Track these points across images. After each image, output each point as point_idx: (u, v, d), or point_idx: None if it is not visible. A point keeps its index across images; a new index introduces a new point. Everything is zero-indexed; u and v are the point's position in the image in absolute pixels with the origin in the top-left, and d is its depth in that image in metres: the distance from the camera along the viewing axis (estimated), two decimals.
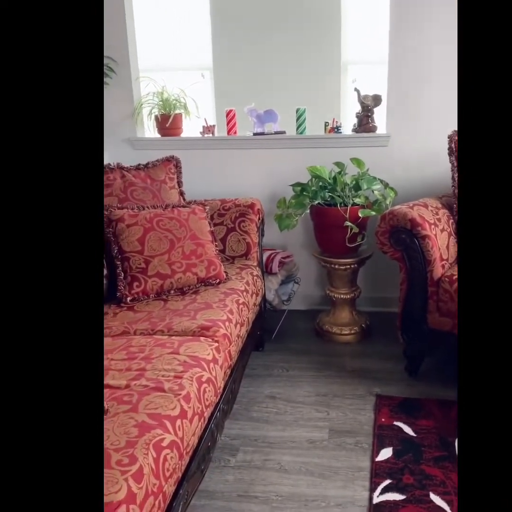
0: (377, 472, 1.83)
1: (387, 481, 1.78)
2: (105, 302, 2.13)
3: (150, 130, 3.12)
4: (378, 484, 1.77)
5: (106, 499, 1.09)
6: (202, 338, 1.79)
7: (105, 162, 2.68)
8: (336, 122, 3.00)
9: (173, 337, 1.79)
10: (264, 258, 2.79)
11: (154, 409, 1.38)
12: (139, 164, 2.51)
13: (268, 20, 3.93)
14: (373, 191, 2.65)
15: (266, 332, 2.78)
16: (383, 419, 2.12)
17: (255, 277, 2.46)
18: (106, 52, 2.86)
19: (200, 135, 3.07)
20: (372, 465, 1.87)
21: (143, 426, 1.31)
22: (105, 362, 1.62)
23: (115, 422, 1.32)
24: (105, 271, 2.16)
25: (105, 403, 1.38)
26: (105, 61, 2.86)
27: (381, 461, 1.88)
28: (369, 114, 2.91)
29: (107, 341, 1.78)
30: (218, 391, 1.71)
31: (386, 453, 1.92)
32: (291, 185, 2.77)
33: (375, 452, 1.93)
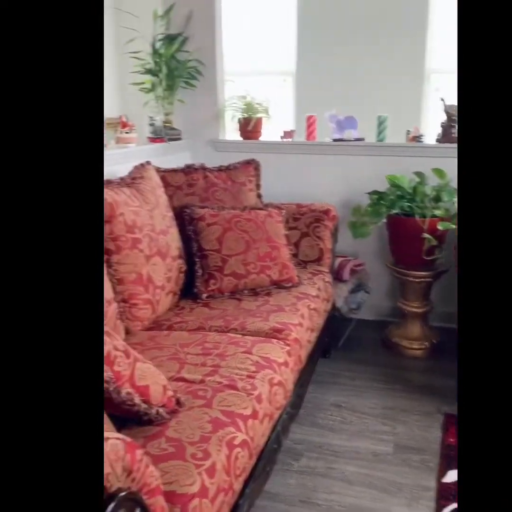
0: (443, 494, 1.78)
1: (454, 505, 1.73)
2: (182, 297, 2.20)
3: (232, 133, 3.19)
4: (444, 507, 1.72)
5: (180, 490, 1.13)
6: (274, 340, 1.81)
7: (189, 162, 2.77)
8: (418, 130, 2.94)
9: (246, 337, 1.82)
10: (336, 265, 2.78)
11: (227, 407, 1.41)
12: (221, 166, 2.56)
13: (353, 27, 3.90)
14: (454, 204, 2.57)
15: (333, 339, 2.76)
16: (451, 439, 2.05)
17: (326, 284, 2.45)
18: (195, 55, 2.94)
19: (279, 139, 3.10)
20: (438, 485, 1.82)
21: (216, 422, 1.35)
22: (181, 356, 1.68)
23: (190, 416, 1.37)
24: (184, 267, 2.22)
25: (180, 395, 1.42)
26: (194, 63, 2.95)
27: (448, 483, 1.83)
28: (454, 124, 2.83)
29: (183, 335, 1.84)
30: (288, 394, 1.73)
31: (453, 475, 1.86)
32: (368, 193, 2.74)
33: (442, 472, 1.88)
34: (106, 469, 0.84)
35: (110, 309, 1.76)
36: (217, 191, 2.46)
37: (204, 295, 2.17)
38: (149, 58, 2.91)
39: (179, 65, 2.93)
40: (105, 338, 1.22)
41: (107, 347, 1.20)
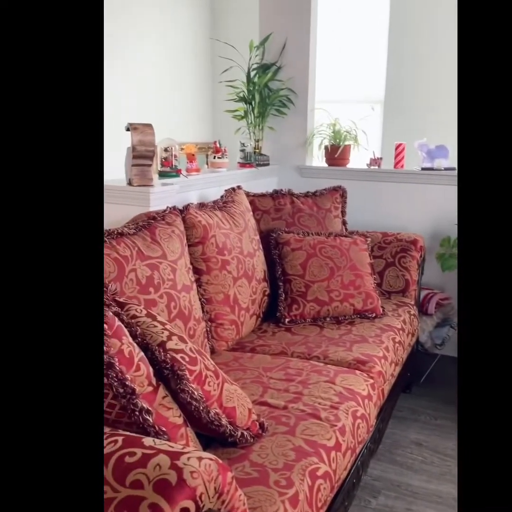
0: None
1: None
2: (265, 320, 2.22)
3: (318, 159, 3.21)
4: None
5: None
6: (357, 372, 1.78)
7: (276, 187, 2.82)
8: None
9: (329, 366, 1.80)
10: (421, 297, 2.70)
11: (310, 436, 1.40)
12: (308, 192, 2.59)
13: (442, 56, 3.84)
14: None
15: (416, 374, 2.66)
16: None
17: (411, 316, 2.38)
18: (287, 84, 3.01)
19: (366, 167, 3.08)
20: None
21: (300, 451, 1.34)
22: (264, 379, 1.69)
23: (273, 442, 1.37)
24: (268, 290, 2.25)
25: (264, 420, 1.43)
26: (286, 92, 3.02)
27: None
28: None
29: (266, 358, 1.85)
30: (370, 428, 1.68)
31: None
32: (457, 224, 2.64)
33: None
34: (200, 489, 0.86)
35: (199, 328, 1.81)
36: (303, 216, 2.48)
37: (287, 320, 2.17)
38: (243, 87, 3.01)
39: (271, 93, 3.00)
40: (198, 356, 1.25)
41: (199, 366, 1.23)
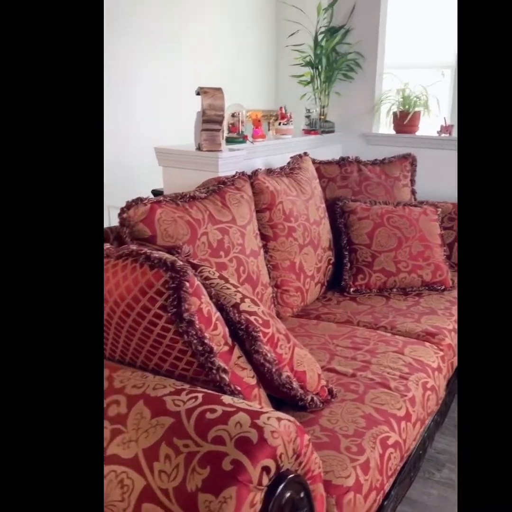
0: None
1: None
2: (329, 289, 2.19)
3: (385, 126, 3.10)
4: None
5: (335, 481, 1.12)
6: (427, 344, 1.73)
7: (340, 154, 2.74)
8: None
9: (397, 336, 1.76)
10: None
11: (381, 405, 1.38)
12: (375, 159, 2.51)
13: None
14: None
15: None
16: None
17: None
18: (355, 48, 2.90)
19: (436, 134, 2.95)
20: None
21: (370, 419, 1.32)
22: (331, 347, 1.68)
23: (342, 408, 1.36)
24: (333, 259, 2.22)
25: (333, 386, 1.42)
26: (354, 56, 2.91)
27: None
28: None
29: (332, 326, 1.84)
30: (439, 401, 1.65)
31: None
32: None
33: None
34: (280, 449, 0.86)
35: (266, 293, 1.81)
36: (370, 184, 2.41)
37: (352, 289, 2.14)
38: (310, 51, 2.92)
39: (339, 57, 2.90)
40: (270, 319, 1.25)
41: (271, 329, 1.23)
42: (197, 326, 1.01)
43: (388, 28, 3.04)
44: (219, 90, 1.97)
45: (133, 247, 1.04)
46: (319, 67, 2.90)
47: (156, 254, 0.98)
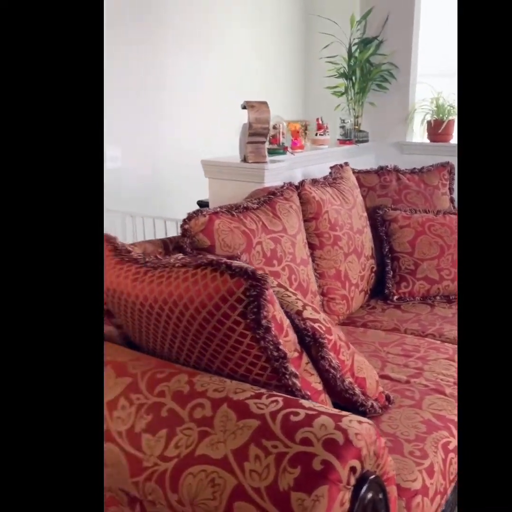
0: None
1: None
2: (372, 297, 2.22)
3: (418, 135, 3.13)
4: None
5: (403, 484, 1.15)
6: None
7: (374, 164, 2.78)
8: None
9: (446, 344, 1.78)
10: None
11: (438, 411, 1.40)
12: (414, 168, 2.53)
13: None
14: None
15: None
16: None
17: None
18: (389, 59, 2.94)
19: None
20: None
21: (429, 424, 1.35)
22: (382, 354, 1.70)
23: (401, 414, 1.38)
24: (375, 267, 2.25)
25: (389, 393, 1.44)
26: (387, 67, 2.95)
27: None
28: None
29: (380, 334, 1.86)
30: None
31: None
32: None
33: None
34: (364, 450, 0.89)
35: (315, 301, 1.85)
36: (410, 193, 2.44)
37: (395, 297, 2.17)
38: (343, 63, 2.97)
39: (373, 68, 2.95)
40: (331, 326, 1.28)
41: (334, 336, 1.26)
42: (273, 333, 1.05)
43: (421, 37, 3.08)
44: (264, 104, 2.03)
45: (212, 257, 1.08)
46: (353, 78, 2.95)
47: (236, 263, 1.03)
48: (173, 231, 2.36)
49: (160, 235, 2.59)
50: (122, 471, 1.00)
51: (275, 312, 1.09)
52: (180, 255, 1.21)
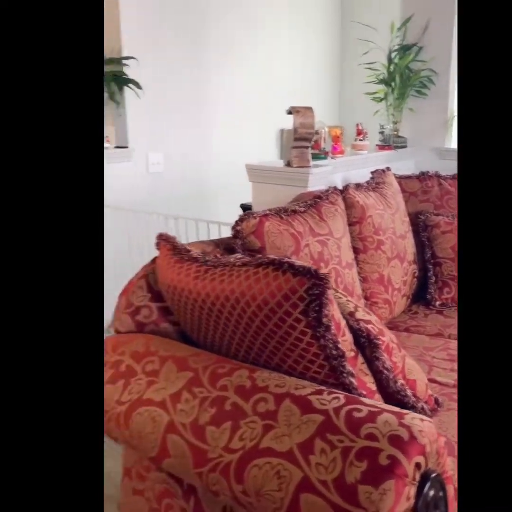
0: None
1: None
2: (413, 302, 2.22)
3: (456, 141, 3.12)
4: None
5: (456, 485, 1.15)
6: None
7: (412, 169, 2.78)
8: None
9: None
10: None
11: None
12: (455, 174, 2.53)
13: None
14: None
15: None
16: None
17: None
18: (428, 65, 2.95)
19: None
20: None
21: None
22: (427, 358, 1.70)
23: (450, 417, 1.39)
24: (417, 272, 2.25)
25: (438, 396, 1.45)
26: (427, 73, 2.95)
27: None
28: None
29: (424, 339, 1.86)
30: None
31: None
32: None
33: None
34: (427, 447, 0.91)
35: (360, 304, 1.86)
36: (452, 199, 2.43)
37: (437, 303, 2.16)
38: (383, 69, 2.99)
39: (412, 74, 2.95)
40: (383, 328, 1.30)
41: (386, 337, 1.27)
42: (333, 331, 1.07)
43: None
44: (309, 109, 2.05)
45: (273, 256, 1.11)
46: (393, 84, 2.96)
47: (299, 262, 1.05)
48: (215, 234, 2.40)
49: (203, 238, 2.64)
50: (186, 462, 1.03)
51: (333, 311, 1.11)
52: (239, 255, 1.25)
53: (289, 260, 1.07)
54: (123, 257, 2.89)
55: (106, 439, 2.12)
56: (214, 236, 2.30)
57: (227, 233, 2.31)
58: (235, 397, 1.03)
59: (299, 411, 0.97)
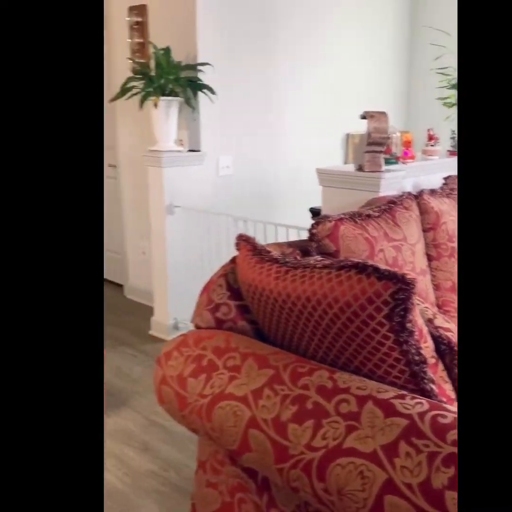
0: None
1: None
2: None
3: None
4: None
5: None
6: None
7: None
8: None
9: None
10: None
11: None
12: None
13: None
14: None
15: None
16: None
17: None
18: None
19: None
20: None
21: None
22: None
23: None
24: None
25: None
26: None
27: None
28: None
29: None
30: None
31: None
32: None
33: None
34: None
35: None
36: None
37: None
38: (455, 74, 2.93)
39: None
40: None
41: None
42: (416, 337, 1.07)
43: None
44: (384, 114, 2.05)
45: (356, 259, 1.12)
46: None
47: (384, 267, 1.06)
48: (283, 237, 2.43)
49: (270, 240, 2.67)
50: (267, 457, 1.06)
51: (416, 317, 1.11)
52: (318, 257, 1.26)
53: (374, 263, 1.08)
54: (192, 255, 2.97)
55: (177, 432, 2.20)
56: (282, 239, 2.33)
57: (295, 236, 2.34)
58: (316, 396, 1.05)
59: (383, 414, 0.97)
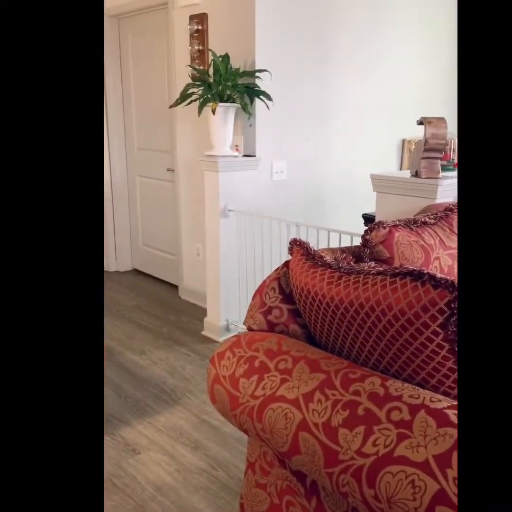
0: None
1: None
2: None
3: None
4: None
5: None
6: None
7: None
8: None
9: None
10: None
11: None
12: None
13: None
14: None
15: None
16: None
17: None
18: None
19: None
20: None
21: None
22: None
23: None
24: None
25: None
26: None
27: None
28: None
29: None
30: None
31: None
32: None
33: None
34: None
35: None
36: None
37: None
38: None
39: None
40: None
41: None
42: None
43: None
44: (442, 119, 2.01)
45: (411, 267, 1.12)
46: None
47: (440, 275, 1.05)
48: (335, 242, 2.43)
49: (322, 245, 2.68)
50: (317, 460, 1.07)
51: None
52: (372, 263, 1.26)
53: (429, 272, 1.07)
54: (245, 258, 3.01)
55: (226, 431, 2.24)
56: (334, 244, 2.33)
57: (347, 242, 2.33)
58: (368, 403, 1.05)
59: (435, 424, 0.96)
